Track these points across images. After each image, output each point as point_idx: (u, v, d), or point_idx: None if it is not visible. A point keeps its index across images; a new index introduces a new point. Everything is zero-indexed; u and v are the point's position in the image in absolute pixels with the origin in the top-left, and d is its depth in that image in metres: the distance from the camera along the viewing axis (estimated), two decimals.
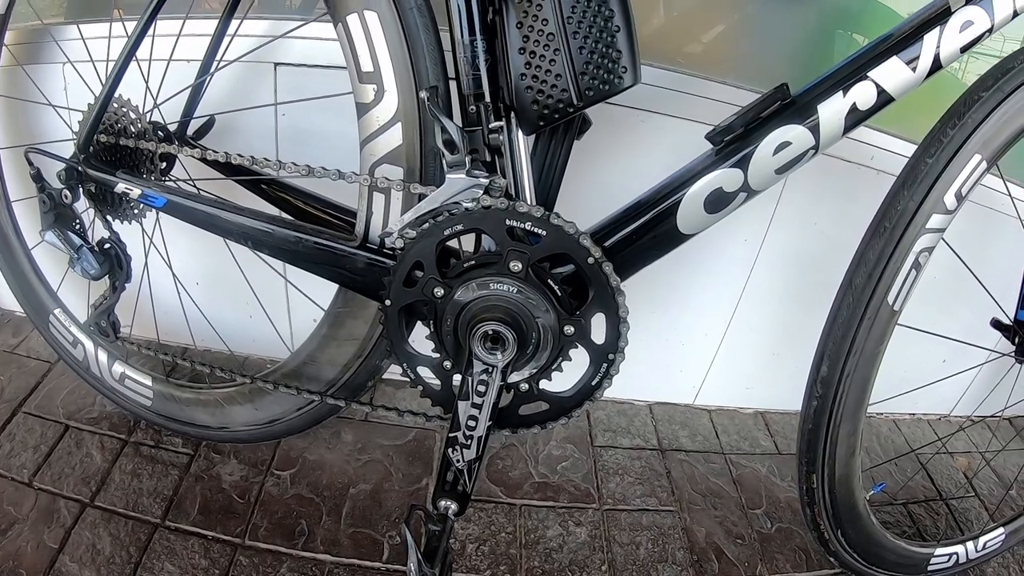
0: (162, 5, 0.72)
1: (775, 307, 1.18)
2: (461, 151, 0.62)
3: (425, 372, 0.74)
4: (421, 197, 0.68)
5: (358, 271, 0.72)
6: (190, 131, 0.90)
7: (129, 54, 0.75)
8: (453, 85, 0.67)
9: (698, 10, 1.07)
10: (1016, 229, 0.88)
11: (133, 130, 0.80)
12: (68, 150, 0.81)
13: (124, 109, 0.81)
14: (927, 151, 0.69)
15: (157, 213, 0.88)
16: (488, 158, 0.66)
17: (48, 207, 0.83)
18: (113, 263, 0.86)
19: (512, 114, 0.66)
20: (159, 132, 0.84)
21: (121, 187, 0.77)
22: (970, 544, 0.98)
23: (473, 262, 0.67)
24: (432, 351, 0.72)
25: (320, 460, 1.02)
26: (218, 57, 0.84)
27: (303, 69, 0.91)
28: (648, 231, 0.68)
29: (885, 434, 1.32)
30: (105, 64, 0.86)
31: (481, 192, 0.63)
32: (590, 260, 0.64)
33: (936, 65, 0.63)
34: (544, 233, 0.64)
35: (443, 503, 0.74)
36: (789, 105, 0.65)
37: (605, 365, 0.69)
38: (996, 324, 0.92)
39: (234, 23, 0.82)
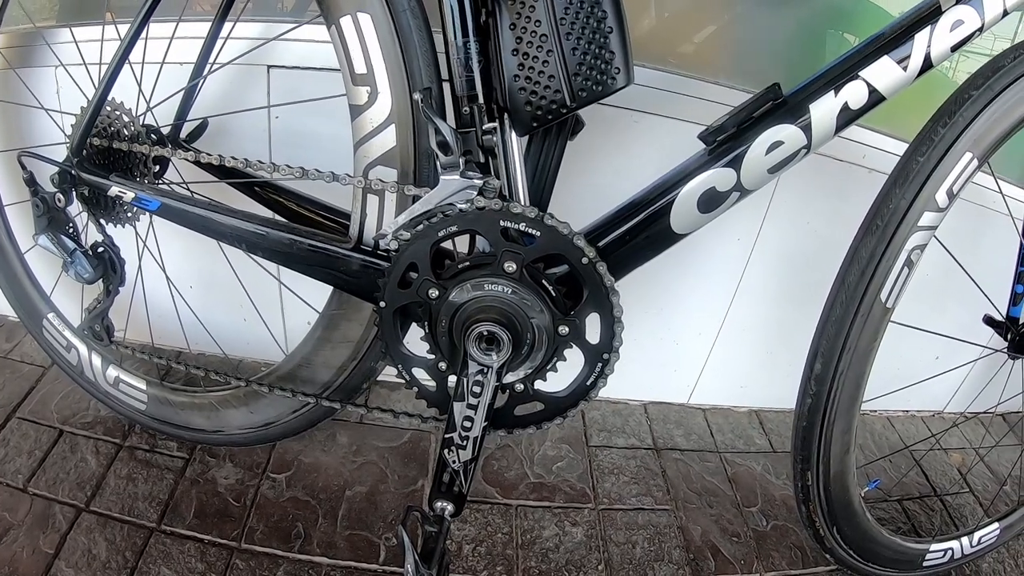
0: (155, 8, 0.72)
1: (768, 305, 1.18)
2: (455, 152, 0.62)
3: (420, 374, 0.73)
4: (415, 199, 0.68)
5: (352, 273, 0.71)
6: (183, 134, 0.89)
7: (122, 57, 0.74)
8: (447, 86, 0.67)
9: (689, 10, 1.07)
10: (1007, 226, 0.88)
11: (127, 133, 0.80)
12: (61, 154, 0.80)
13: (117, 112, 0.80)
14: (918, 149, 0.69)
15: (151, 216, 0.88)
16: (482, 159, 0.65)
17: (41, 211, 0.82)
18: (107, 267, 0.85)
19: (506, 115, 0.65)
20: (152, 135, 0.84)
21: (115, 190, 0.77)
22: (965, 539, 0.99)
23: (467, 263, 0.67)
24: (427, 352, 0.72)
25: (316, 463, 1.01)
26: (211, 60, 0.83)
27: (296, 71, 0.91)
28: (642, 231, 0.68)
29: (879, 431, 1.32)
30: (98, 67, 0.86)
31: (475, 193, 0.63)
32: (584, 260, 0.64)
33: (927, 64, 0.63)
34: (538, 234, 0.64)
35: (439, 504, 0.74)
36: (781, 105, 0.65)
37: (600, 365, 0.69)
38: (988, 320, 0.92)
39: (227, 26, 0.82)
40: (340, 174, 0.67)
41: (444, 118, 0.66)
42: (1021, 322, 0.90)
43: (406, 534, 0.69)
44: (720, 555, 0.97)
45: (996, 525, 1.01)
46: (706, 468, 1.13)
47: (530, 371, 0.70)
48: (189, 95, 0.86)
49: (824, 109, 0.64)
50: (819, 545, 0.90)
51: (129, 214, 0.85)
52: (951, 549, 0.98)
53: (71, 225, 0.85)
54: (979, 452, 1.29)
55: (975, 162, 0.69)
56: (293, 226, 0.73)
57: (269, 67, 0.91)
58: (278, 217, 0.83)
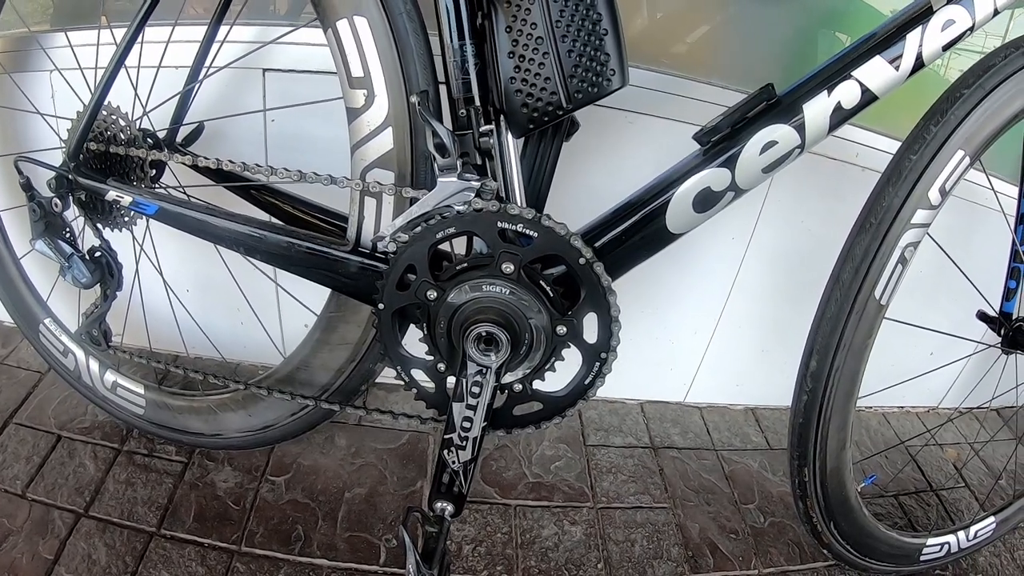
0: (152, 11, 0.72)
1: (763, 304, 1.19)
2: (452, 155, 0.62)
3: (419, 375, 0.73)
4: (413, 201, 0.68)
5: (351, 275, 0.72)
6: (179, 138, 0.89)
7: (119, 61, 0.74)
8: (443, 89, 0.67)
9: (682, 11, 1.07)
10: (999, 223, 0.89)
11: (123, 137, 0.80)
12: (56, 158, 0.80)
13: (114, 116, 0.80)
14: (911, 148, 0.70)
15: (148, 221, 0.88)
16: (479, 161, 0.66)
17: (38, 216, 0.82)
18: (104, 271, 0.85)
19: (502, 117, 0.66)
20: (148, 139, 0.83)
21: (112, 195, 0.76)
22: (961, 534, 0.99)
23: (465, 264, 0.67)
24: (426, 354, 0.72)
25: (314, 465, 1.01)
26: (207, 63, 0.83)
27: (291, 75, 0.91)
28: (638, 231, 0.68)
29: (875, 427, 1.33)
30: (94, 71, 0.85)
31: (472, 195, 0.63)
32: (581, 261, 0.64)
33: (919, 63, 0.64)
34: (536, 235, 0.64)
35: (439, 505, 0.74)
36: (775, 105, 0.66)
37: (598, 364, 0.69)
38: (982, 316, 0.93)
39: (223, 29, 0.82)
40: (338, 177, 0.68)
41: (441, 120, 0.66)
42: (1014, 317, 0.90)
43: (407, 535, 0.70)
44: (718, 552, 0.97)
45: (992, 519, 1.02)
46: (703, 466, 1.13)
47: (528, 371, 0.70)
48: (185, 99, 0.86)
49: (817, 109, 0.64)
50: (816, 541, 0.90)
51: (126, 218, 0.85)
52: (948, 543, 0.98)
53: (68, 230, 0.85)
54: (974, 447, 1.30)
55: (967, 160, 0.70)
56: (291, 229, 0.73)
57: (264, 71, 0.91)
58: (274, 220, 0.83)
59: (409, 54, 0.67)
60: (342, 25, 0.67)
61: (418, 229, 0.65)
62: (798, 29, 1.09)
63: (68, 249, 0.83)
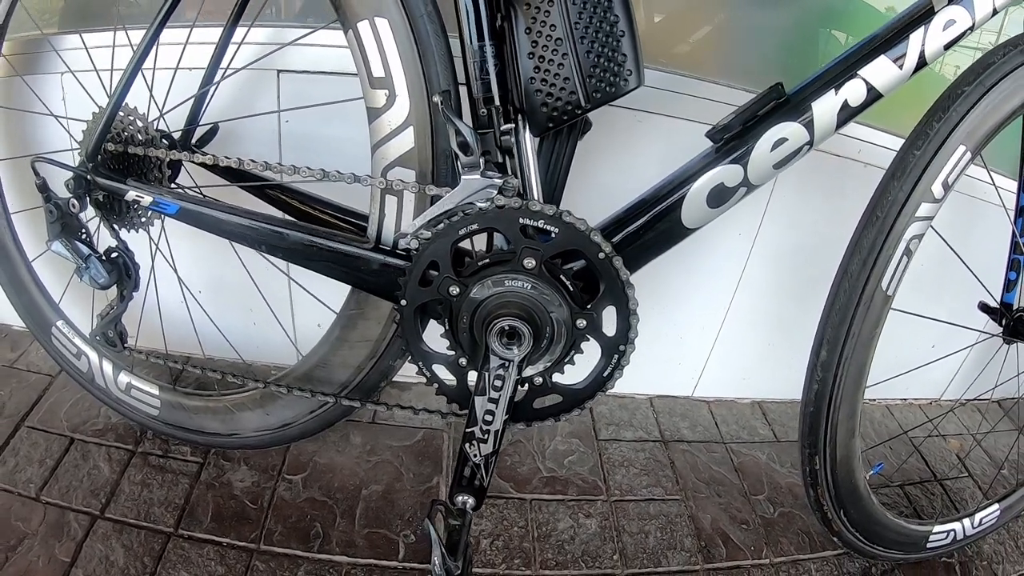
0: (172, 13, 0.74)
1: (769, 299, 1.22)
2: (476, 153, 0.65)
3: (440, 370, 0.76)
4: (434, 199, 0.71)
5: (372, 272, 0.74)
6: (193, 139, 0.91)
7: (138, 62, 0.76)
8: (463, 89, 0.69)
9: (684, 11, 1.11)
10: (1000, 216, 0.93)
11: (141, 138, 0.82)
12: (68, 160, 0.81)
13: (131, 117, 0.82)
14: (915, 144, 0.74)
15: (163, 221, 0.90)
16: (500, 159, 0.68)
17: (55, 217, 0.83)
18: (121, 272, 0.86)
19: (521, 116, 0.69)
20: (165, 140, 0.85)
21: (132, 195, 0.78)
22: (967, 521, 1.03)
23: (487, 260, 0.70)
24: (447, 349, 0.75)
25: (330, 463, 1.03)
26: (223, 65, 0.85)
27: (305, 75, 0.93)
28: (654, 226, 0.71)
29: (878, 419, 1.37)
30: (110, 73, 0.87)
31: (495, 192, 0.66)
32: (601, 255, 0.67)
33: (921, 62, 0.67)
34: (556, 231, 0.67)
35: (460, 498, 0.76)
36: (784, 103, 0.69)
37: (616, 356, 0.72)
38: (983, 307, 0.97)
39: (240, 31, 0.84)
40: (361, 175, 0.70)
41: (463, 120, 0.69)
42: (1015, 308, 0.94)
43: (433, 528, 0.72)
44: (730, 542, 1.00)
45: (996, 506, 1.05)
46: (712, 458, 1.16)
47: (549, 364, 0.73)
48: (201, 100, 0.88)
49: (825, 107, 0.68)
50: (827, 528, 0.93)
51: (143, 219, 0.87)
52: (954, 530, 1.02)
53: (84, 231, 0.86)
54: (976, 437, 1.34)
55: (968, 155, 0.74)
56: (312, 227, 0.75)
57: (279, 71, 0.93)
58: (287, 217, 0.85)
59: (430, 55, 0.70)
60: (363, 26, 0.70)
61: (441, 226, 0.68)
62: (798, 28, 1.13)
63: (85, 250, 0.85)
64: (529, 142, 0.70)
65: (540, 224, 0.66)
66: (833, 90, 0.67)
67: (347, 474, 1.02)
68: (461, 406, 0.77)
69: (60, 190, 0.82)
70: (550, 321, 0.69)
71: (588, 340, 0.72)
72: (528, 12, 0.65)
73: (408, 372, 0.87)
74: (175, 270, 0.94)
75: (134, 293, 0.89)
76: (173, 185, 0.88)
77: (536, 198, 0.71)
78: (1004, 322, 0.95)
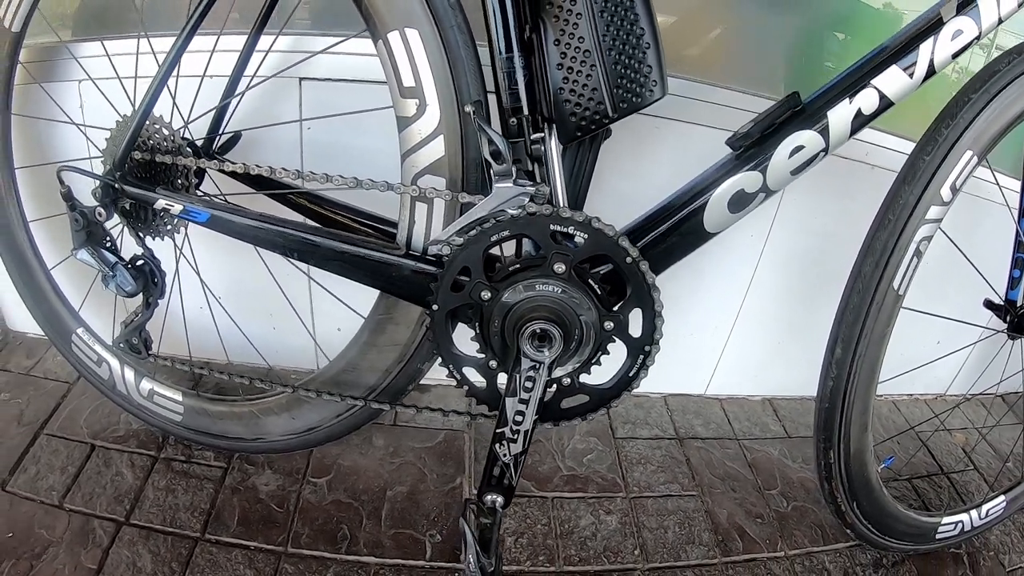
0: (202, 21, 0.77)
1: (778, 300, 1.27)
2: (508, 161, 0.69)
3: (470, 372, 0.80)
4: (465, 206, 0.75)
5: (403, 278, 0.78)
6: (215, 146, 0.94)
7: (168, 70, 0.78)
8: (491, 98, 0.73)
9: (697, 18, 1.15)
10: (1004, 215, 0.98)
11: (168, 147, 0.85)
12: (89, 168, 0.83)
13: (156, 126, 0.85)
14: (924, 149, 0.79)
15: (186, 229, 0.93)
16: (529, 167, 0.72)
17: (80, 225, 0.86)
18: (147, 279, 0.89)
19: (549, 125, 0.73)
20: (189, 148, 0.88)
21: (162, 203, 0.81)
22: (974, 512, 1.08)
23: (518, 265, 0.74)
24: (477, 352, 0.79)
25: (354, 466, 1.07)
26: (248, 73, 0.88)
27: (327, 83, 0.97)
28: (678, 230, 0.76)
29: (886, 415, 1.42)
30: (133, 81, 0.90)
31: (527, 199, 0.70)
32: (628, 260, 0.71)
33: (931, 71, 0.72)
34: (586, 236, 0.71)
35: (490, 497, 0.81)
36: (800, 112, 0.74)
37: (642, 357, 0.77)
38: (988, 304, 1.03)
39: (267, 39, 0.87)
40: (395, 183, 0.74)
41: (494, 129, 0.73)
42: (1019, 304, 1.00)
43: (468, 526, 0.76)
44: (746, 536, 1.05)
45: (1002, 498, 1.11)
46: (726, 455, 1.21)
47: (577, 365, 0.77)
48: (224, 108, 0.91)
49: (840, 115, 0.72)
50: (840, 521, 0.99)
51: (168, 227, 0.90)
52: (962, 522, 1.07)
53: (108, 239, 0.89)
54: (981, 432, 1.40)
55: (975, 159, 0.78)
56: (344, 235, 0.79)
57: (301, 79, 0.96)
58: (317, 225, 0.88)
59: (460, 65, 0.73)
60: (393, 37, 0.73)
61: (473, 232, 0.71)
62: (805, 33, 1.17)
63: (112, 258, 0.87)
64: (555, 150, 0.74)
65: (570, 230, 0.71)
66: (848, 99, 0.72)
67: (371, 476, 1.05)
68: (490, 407, 0.81)
69: (83, 198, 0.84)
70: (579, 324, 0.74)
71: (614, 341, 0.76)
72: (557, 24, 0.69)
73: (428, 374, 0.91)
74: (199, 276, 0.97)
75: (160, 300, 0.92)
76: (198, 193, 0.91)
77: (561, 203, 0.75)
78: (1008, 318, 1.01)
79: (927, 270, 0.90)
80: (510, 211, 0.71)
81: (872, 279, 0.82)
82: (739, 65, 1.17)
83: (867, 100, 0.72)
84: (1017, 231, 0.97)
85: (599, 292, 0.74)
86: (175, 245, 0.93)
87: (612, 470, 1.13)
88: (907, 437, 1.34)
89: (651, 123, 1.04)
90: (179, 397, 1.02)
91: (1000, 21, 0.72)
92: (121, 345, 0.93)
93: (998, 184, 0.96)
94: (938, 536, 1.06)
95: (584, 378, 0.79)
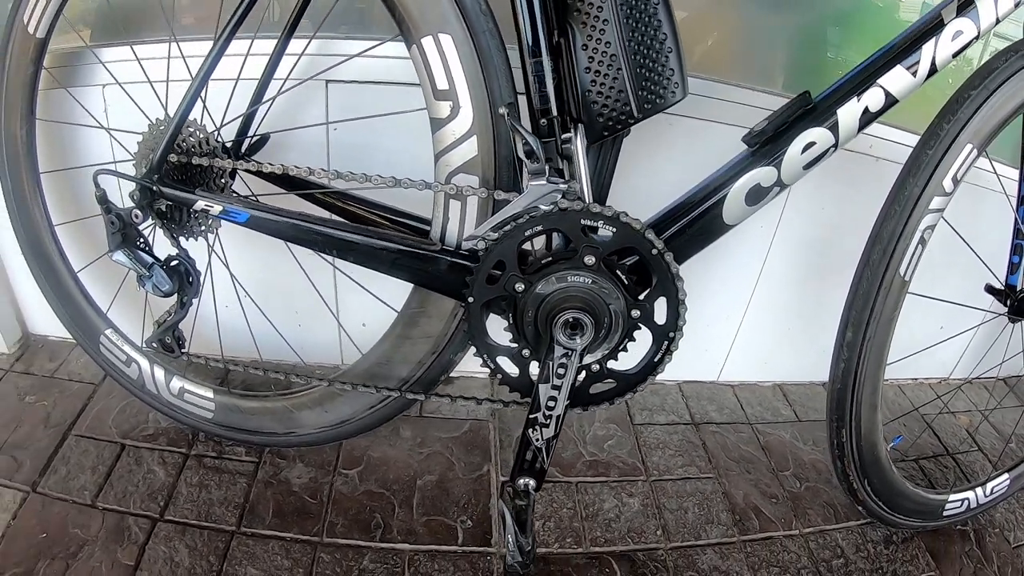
0: (240, 25, 0.82)
1: (788, 288, 1.36)
2: (542, 160, 0.76)
3: (503, 361, 0.87)
4: (498, 203, 0.82)
5: (439, 272, 0.84)
6: (243, 148, 1.00)
7: (207, 74, 0.84)
8: (521, 100, 0.80)
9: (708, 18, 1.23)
10: (1003, 203, 1.07)
11: (204, 149, 0.90)
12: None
13: (191, 129, 0.90)
14: (927, 143, 0.87)
15: (217, 230, 0.99)
16: (559, 165, 0.79)
17: (116, 227, 0.92)
18: (182, 278, 0.95)
19: (576, 125, 0.80)
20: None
21: (201, 204, 0.87)
22: (979, 490, 1.16)
23: (550, 258, 0.81)
24: (510, 341, 0.86)
25: (384, 457, 1.14)
26: (282, 76, 0.94)
27: (353, 86, 1.03)
28: (698, 223, 0.83)
29: (891, 398, 1.52)
30: (165, 85, 0.96)
31: (559, 196, 0.77)
32: (654, 251, 0.79)
33: (933, 69, 0.79)
34: (614, 230, 0.78)
35: (522, 481, 0.88)
36: (812, 110, 0.81)
37: (666, 343, 0.84)
38: (989, 289, 1.11)
39: (300, 43, 0.93)
40: (432, 182, 0.81)
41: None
42: (1019, 288, 1.09)
43: (507, 508, 0.83)
44: (762, 515, 1.13)
45: (1006, 476, 1.19)
46: (740, 438, 1.30)
47: (606, 352, 0.85)
48: (255, 111, 0.97)
49: (849, 113, 0.79)
50: (852, 498, 1.07)
51: (202, 227, 0.95)
52: (967, 499, 1.15)
53: (142, 240, 0.95)
54: (984, 413, 1.50)
55: (975, 152, 0.87)
56: (381, 232, 0.86)
57: (327, 81, 1.03)
58: (355, 224, 0.94)
59: (492, 68, 0.80)
60: (427, 42, 0.80)
61: (508, 228, 0.79)
62: (807, 30, 1.26)
63: (148, 259, 0.93)
64: (582, 148, 0.81)
65: (600, 224, 0.78)
66: (856, 97, 0.79)
67: (401, 466, 1.12)
68: (522, 395, 0.88)
69: (118, 202, 0.90)
70: (608, 312, 0.81)
71: (640, 328, 0.84)
72: (584, 30, 0.76)
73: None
74: (232, 275, 1.03)
75: (194, 299, 0.98)
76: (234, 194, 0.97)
77: (587, 199, 0.83)
78: (1009, 302, 1.09)
79: (931, 258, 0.98)
80: (543, 207, 0.78)
81: (880, 266, 0.90)
82: (743, 61, 1.25)
83: (874, 98, 0.79)
84: (1016, 218, 1.06)
85: (626, 282, 0.81)
86: (208, 245, 0.99)
87: (632, 455, 1.21)
88: (913, 420, 1.43)
89: (664, 120, 1.12)
90: (210, 394, 1.08)
91: (998, 21, 0.80)
92: (154, 344, 0.99)
93: (996, 173, 1.05)
94: (945, 513, 1.14)
95: (612, 364, 0.87)
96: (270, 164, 0.87)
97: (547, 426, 0.85)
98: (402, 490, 1.08)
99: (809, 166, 0.82)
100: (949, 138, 0.85)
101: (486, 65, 0.80)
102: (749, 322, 1.39)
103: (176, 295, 0.96)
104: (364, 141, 1.07)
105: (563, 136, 0.78)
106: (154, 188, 0.89)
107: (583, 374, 0.87)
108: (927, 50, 0.79)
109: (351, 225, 0.86)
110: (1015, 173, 1.04)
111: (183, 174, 0.93)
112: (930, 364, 1.52)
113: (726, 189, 0.82)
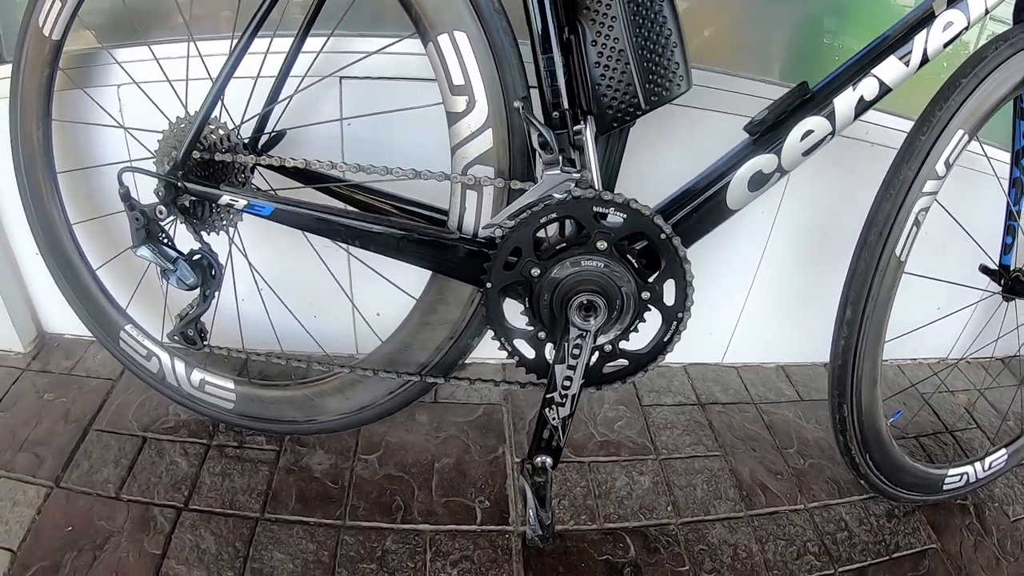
0: (262, 24, 0.88)
1: (789, 271, 1.44)
2: (556, 151, 0.83)
3: (519, 344, 0.94)
4: (513, 192, 0.88)
5: (458, 260, 0.91)
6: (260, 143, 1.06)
7: (230, 72, 0.90)
8: (533, 93, 0.87)
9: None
10: (995, 186, 1.15)
11: (226, 145, 0.96)
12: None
13: (212, 126, 0.96)
14: (920, 129, 0.94)
15: (238, 223, 1.05)
16: (571, 155, 0.86)
17: (140, 224, 0.97)
18: (205, 272, 1.01)
19: (587, 117, 0.86)
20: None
21: (226, 199, 0.93)
22: (978, 464, 1.24)
23: (564, 244, 0.88)
24: (526, 324, 0.93)
25: (401, 442, 1.21)
26: (299, 73, 1.00)
27: (367, 81, 1.09)
28: (703, 208, 0.90)
29: (891, 378, 1.60)
30: (184, 84, 1.02)
31: (573, 185, 0.84)
32: (663, 236, 0.86)
33: (924, 59, 0.86)
34: (625, 216, 0.85)
35: (539, 459, 0.95)
36: (809, 100, 0.88)
37: (675, 323, 0.91)
38: (984, 269, 1.19)
39: (318, 40, 0.98)
40: (451, 174, 0.87)
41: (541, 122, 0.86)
42: (1012, 268, 1.17)
43: (528, 484, 0.90)
44: (768, 491, 1.21)
45: (1004, 451, 1.27)
46: (745, 418, 1.38)
47: (618, 333, 0.92)
48: (272, 108, 1.03)
49: (845, 102, 0.87)
50: (855, 472, 1.15)
51: (224, 221, 1.02)
52: (966, 473, 1.23)
53: (165, 235, 1.01)
54: (981, 391, 1.59)
55: (966, 137, 0.94)
56: (401, 222, 0.92)
57: (341, 78, 1.09)
58: (376, 215, 1.00)
59: (505, 64, 0.87)
60: (443, 39, 0.86)
61: (524, 216, 0.85)
62: (805, 21, 1.33)
63: (173, 253, 0.99)
64: (592, 139, 0.88)
65: (611, 211, 0.85)
66: (851, 87, 0.86)
67: (419, 450, 1.19)
68: (538, 375, 0.95)
69: (141, 198, 0.95)
70: (620, 294, 0.88)
71: (650, 310, 0.91)
72: (593, 27, 0.83)
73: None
74: (253, 268, 1.09)
75: (217, 293, 1.04)
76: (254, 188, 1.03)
77: (597, 187, 0.89)
78: (1003, 282, 1.17)
79: (928, 241, 1.06)
80: (557, 195, 0.84)
81: (876, 247, 0.98)
82: (742, 50, 1.32)
83: (868, 87, 0.87)
84: (1007, 200, 1.13)
85: (636, 266, 0.88)
86: (230, 239, 1.05)
87: (641, 435, 1.29)
88: (913, 399, 1.51)
89: (668, 109, 1.18)
90: (231, 385, 1.14)
91: (987, 12, 0.87)
92: (176, 337, 1.05)
93: (987, 157, 1.12)
94: (945, 487, 1.22)
95: (623, 345, 0.94)
96: (292, 159, 0.94)
97: (563, 405, 0.92)
98: (421, 473, 1.15)
99: (808, 153, 0.89)
100: (941, 124, 0.92)
101: (500, 61, 0.86)
102: (752, 305, 1.46)
103: (199, 288, 1.02)
104: (376, 135, 1.13)
105: (574, 128, 0.85)
106: (179, 184, 0.95)
107: (596, 354, 0.94)
108: (919, 40, 0.86)
109: (372, 216, 0.93)
110: (1007, 156, 1.12)
111: (205, 170, 0.98)
112: (928, 344, 1.60)
113: (729, 176, 0.89)
